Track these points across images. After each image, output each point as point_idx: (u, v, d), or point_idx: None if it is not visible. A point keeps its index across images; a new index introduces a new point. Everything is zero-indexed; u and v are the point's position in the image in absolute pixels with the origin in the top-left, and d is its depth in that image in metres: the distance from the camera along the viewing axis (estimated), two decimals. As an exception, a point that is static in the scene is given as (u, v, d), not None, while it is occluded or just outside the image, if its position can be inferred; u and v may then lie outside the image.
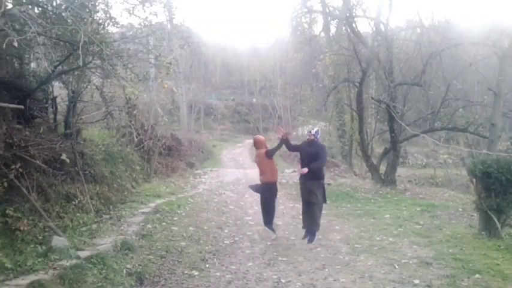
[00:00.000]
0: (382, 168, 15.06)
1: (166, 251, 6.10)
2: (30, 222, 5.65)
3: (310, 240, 6.84)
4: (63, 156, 6.84)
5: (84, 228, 6.49)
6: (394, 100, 13.02)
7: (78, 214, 6.88)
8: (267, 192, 7.12)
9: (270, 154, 7.11)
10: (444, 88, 12.46)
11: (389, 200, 11.26)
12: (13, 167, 5.75)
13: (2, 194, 5.60)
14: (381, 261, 5.78)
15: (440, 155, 24.14)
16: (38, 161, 6.35)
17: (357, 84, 14.43)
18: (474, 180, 7.23)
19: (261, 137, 7.66)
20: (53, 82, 9.01)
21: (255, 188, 7.59)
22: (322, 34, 19.02)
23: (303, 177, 6.96)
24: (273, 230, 7.19)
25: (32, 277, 4.43)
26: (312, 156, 6.88)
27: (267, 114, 38.61)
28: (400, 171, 17.59)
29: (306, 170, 6.70)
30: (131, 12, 7.76)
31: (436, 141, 13.42)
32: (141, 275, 5.08)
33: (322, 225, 8.41)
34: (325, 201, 7.21)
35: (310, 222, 6.97)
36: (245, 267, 5.61)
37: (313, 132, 7.09)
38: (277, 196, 7.28)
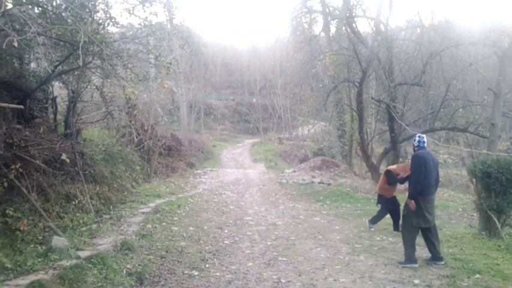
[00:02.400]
0: (382, 168, 15.04)
1: (166, 251, 6.09)
2: (30, 222, 5.65)
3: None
4: (63, 156, 6.84)
5: (84, 228, 6.49)
6: (394, 100, 13.02)
7: (78, 214, 6.89)
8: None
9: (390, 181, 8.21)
10: (444, 88, 12.45)
11: (389, 200, 11.23)
12: (13, 167, 5.75)
13: (2, 194, 5.61)
14: (381, 261, 5.78)
15: (440, 155, 24.04)
16: (38, 161, 6.35)
17: (357, 84, 14.44)
18: (474, 180, 7.23)
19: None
20: (53, 82, 9.03)
21: None
22: (322, 34, 19.03)
23: None
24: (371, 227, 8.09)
25: (32, 277, 4.42)
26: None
27: (267, 114, 38.54)
28: (400, 171, 17.55)
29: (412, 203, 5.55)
30: (131, 12, 7.79)
31: (436, 141, 13.38)
32: (141, 275, 5.07)
33: (322, 225, 8.46)
34: (416, 224, 5.60)
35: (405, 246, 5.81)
36: (245, 267, 5.60)
37: (415, 143, 5.80)
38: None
